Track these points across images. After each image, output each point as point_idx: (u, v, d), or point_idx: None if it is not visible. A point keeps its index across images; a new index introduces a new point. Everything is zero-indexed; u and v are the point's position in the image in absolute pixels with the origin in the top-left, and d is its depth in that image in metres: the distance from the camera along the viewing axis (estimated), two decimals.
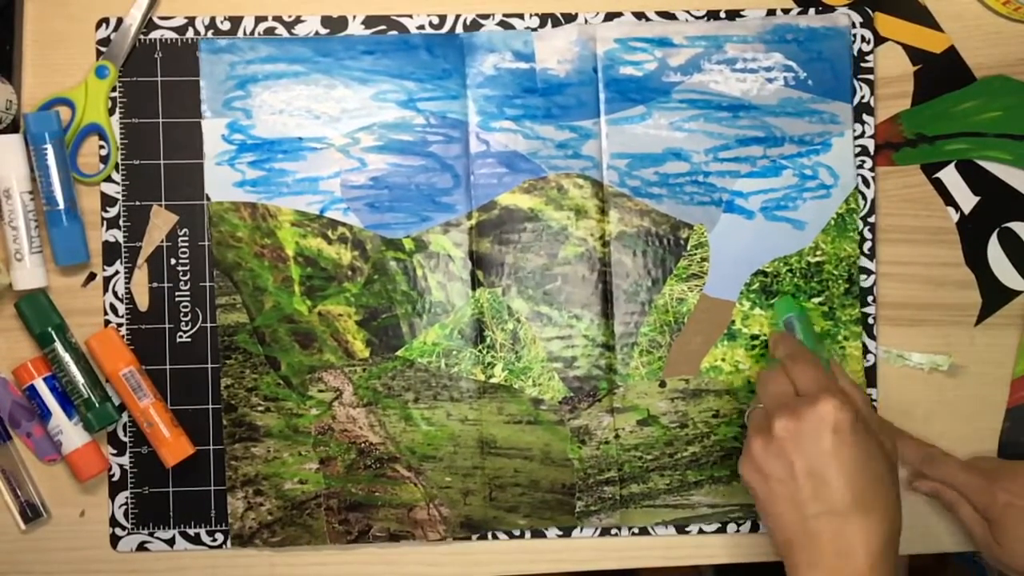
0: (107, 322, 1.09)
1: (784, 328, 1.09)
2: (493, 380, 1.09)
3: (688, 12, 1.12)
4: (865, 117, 1.13)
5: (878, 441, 0.93)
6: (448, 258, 1.09)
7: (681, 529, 1.12)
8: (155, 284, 1.09)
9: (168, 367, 1.09)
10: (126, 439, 1.09)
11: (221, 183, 1.08)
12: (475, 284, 1.09)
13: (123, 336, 1.09)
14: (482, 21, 1.10)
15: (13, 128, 1.06)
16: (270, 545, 1.09)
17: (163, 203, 1.09)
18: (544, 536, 1.11)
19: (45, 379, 1.07)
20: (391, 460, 1.09)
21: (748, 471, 0.95)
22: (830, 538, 0.90)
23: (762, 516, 0.96)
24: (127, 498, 1.09)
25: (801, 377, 0.96)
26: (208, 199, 1.08)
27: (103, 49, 1.09)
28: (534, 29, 1.10)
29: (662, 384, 1.10)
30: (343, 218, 1.09)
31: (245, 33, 1.09)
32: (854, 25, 1.12)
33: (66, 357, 1.06)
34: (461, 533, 1.10)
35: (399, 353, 1.09)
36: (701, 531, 1.12)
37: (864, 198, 1.12)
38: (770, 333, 1.10)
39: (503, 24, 1.11)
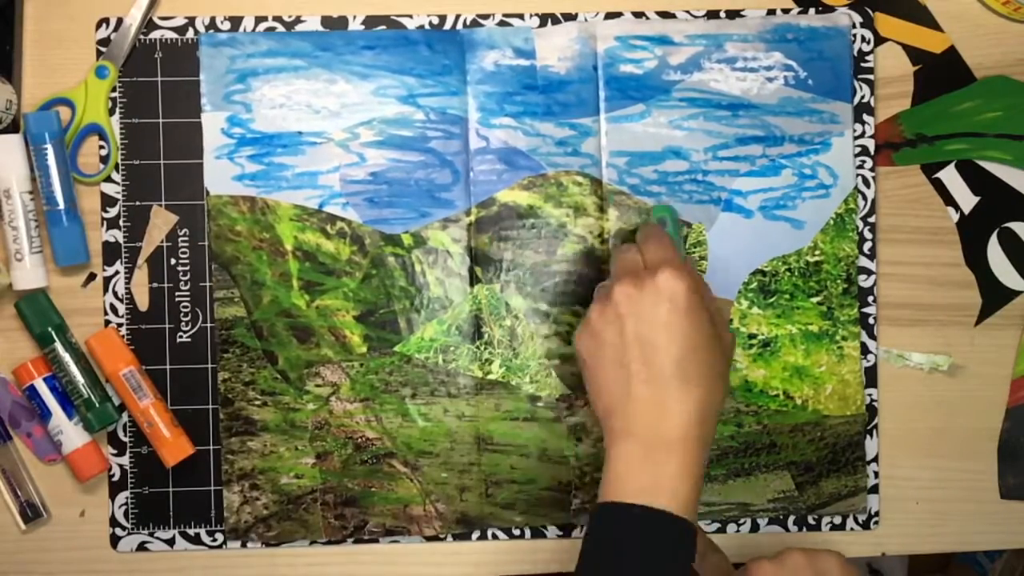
0: (107, 322, 1.09)
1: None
2: (490, 376, 1.09)
3: (688, 12, 1.12)
4: (865, 117, 1.13)
5: (709, 317, 0.92)
6: (447, 254, 1.09)
7: None
8: (155, 284, 1.09)
9: (168, 367, 1.09)
10: (126, 439, 1.09)
11: (220, 177, 1.08)
12: (473, 280, 1.09)
13: (123, 336, 1.09)
14: (482, 21, 1.11)
15: (13, 128, 1.07)
16: (265, 540, 1.09)
17: (163, 203, 1.09)
18: (544, 536, 1.11)
19: (45, 379, 1.07)
20: (387, 455, 1.09)
21: (583, 338, 0.95)
22: (648, 404, 0.89)
23: (588, 387, 0.94)
24: (127, 498, 1.09)
25: (649, 252, 0.96)
26: (207, 193, 1.09)
27: (103, 49, 1.09)
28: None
29: None
30: (342, 213, 1.09)
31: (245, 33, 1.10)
32: (854, 25, 1.12)
33: (66, 357, 1.06)
34: (457, 529, 1.10)
35: (396, 349, 1.09)
36: None
37: (864, 198, 1.12)
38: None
39: (503, 24, 1.11)
